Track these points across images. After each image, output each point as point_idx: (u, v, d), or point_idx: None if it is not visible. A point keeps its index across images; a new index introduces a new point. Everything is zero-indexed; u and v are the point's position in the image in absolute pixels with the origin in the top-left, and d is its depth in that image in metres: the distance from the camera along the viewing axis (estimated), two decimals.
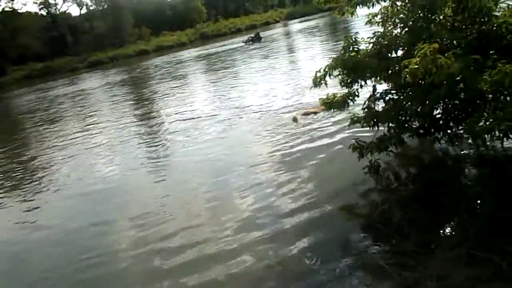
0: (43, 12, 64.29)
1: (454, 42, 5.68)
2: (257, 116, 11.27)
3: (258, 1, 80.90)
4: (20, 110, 25.79)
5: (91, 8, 70.06)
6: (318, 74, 6.06)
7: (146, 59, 45.52)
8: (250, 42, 36.07)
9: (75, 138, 13.53)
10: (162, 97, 18.42)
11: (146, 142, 11.40)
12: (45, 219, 7.39)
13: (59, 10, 65.71)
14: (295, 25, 49.31)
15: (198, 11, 72.74)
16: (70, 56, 56.01)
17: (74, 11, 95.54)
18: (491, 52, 5.37)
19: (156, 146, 10.79)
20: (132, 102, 19.63)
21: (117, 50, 55.94)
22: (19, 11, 59.86)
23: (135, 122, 14.32)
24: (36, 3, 63.51)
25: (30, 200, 8.45)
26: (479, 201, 4.77)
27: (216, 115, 12.35)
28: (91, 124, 15.44)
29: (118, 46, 57.55)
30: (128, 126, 13.62)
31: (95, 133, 13.64)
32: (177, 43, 58.61)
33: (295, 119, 9.97)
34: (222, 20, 69.25)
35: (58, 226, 6.98)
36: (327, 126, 9.04)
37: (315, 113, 10.04)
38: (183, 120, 12.78)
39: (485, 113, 4.74)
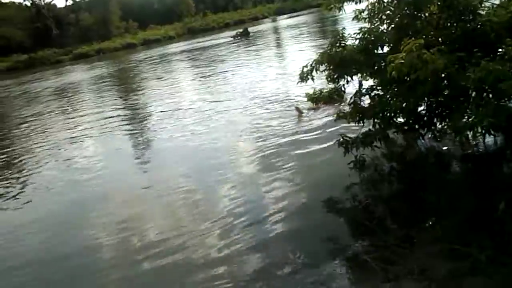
0: (27, 3, 63.10)
1: (440, 39, 5.74)
2: (243, 109, 11.30)
3: None
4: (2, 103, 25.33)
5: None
6: (305, 69, 6.08)
7: (133, 53, 45.01)
8: (238, 37, 35.94)
9: (58, 131, 13.36)
10: (148, 91, 18.27)
11: (130, 134, 11.31)
12: (26, 213, 7.29)
13: (44, 1, 64.51)
14: (284, 21, 49.23)
15: (187, 5, 72.06)
16: (55, 48, 55.07)
17: (60, 2, 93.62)
18: (475, 49, 5.43)
19: (140, 138, 10.75)
20: (118, 95, 19.44)
21: (103, 43, 55.18)
22: (2, 1, 58.69)
23: (119, 115, 14.18)
24: None
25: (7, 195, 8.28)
26: (460, 197, 4.83)
27: (203, 108, 12.32)
28: (74, 117, 15.25)
29: (105, 39, 56.76)
30: (112, 119, 13.49)
31: (78, 126, 13.50)
32: (165, 37, 58.06)
33: (299, 110, 9.84)
34: (211, 15, 68.78)
35: (37, 220, 6.89)
36: (318, 120, 9.04)
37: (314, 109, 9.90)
38: (168, 113, 12.71)
39: (468, 110, 4.81)
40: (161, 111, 13.17)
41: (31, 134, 13.75)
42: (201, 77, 19.22)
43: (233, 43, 32.56)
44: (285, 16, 57.62)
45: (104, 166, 8.95)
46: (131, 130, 11.98)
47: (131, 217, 6.34)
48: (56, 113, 17.23)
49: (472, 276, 3.47)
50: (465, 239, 3.87)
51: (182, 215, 6.17)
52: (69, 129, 13.39)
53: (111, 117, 13.89)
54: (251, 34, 36.90)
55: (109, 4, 62.32)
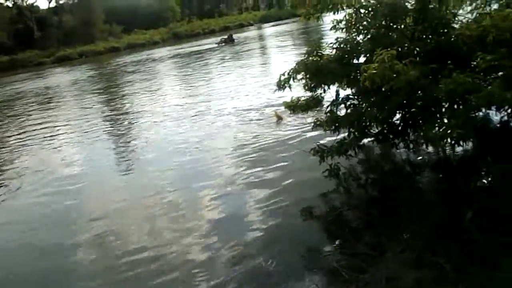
0: (9, 3, 61.97)
1: (414, 51, 5.85)
2: (226, 114, 11.33)
3: (233, 3, 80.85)
4: None
5: (60, 1, 68.10)
6: (282, 78, 6.12)
7: (117, 56, 44.60)
8: (223, 44, 35.97)
9: (38, 135, 13.09)
10: (131, 95, 18.12)
11: (112, 140, 11.21)
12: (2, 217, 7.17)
13: (26, 2, 63.48)
14: (269, 29, 49.54)
15: (172, 10, 71.92)
16: (37, 50, 54.15)
17: (43, 3, 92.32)
18: (448, 61, 5.55)
19: (121, 143, 10.64)
20: (98, 100, 19.17)
21: (86, 46, 54.48)
22: None
23: (102, 120, 14.02)
24: None
25: None
26: (430, 206, 4.90)
27: (184, 114, 12.29)
28: (54, 122, 14.98)
29: (88, 42, 56.08)
30: (94, 124, 13.30)
31: (59, 131, 13.24)
32: (150, 41, 57.68)
33: (278, 117, 9.89)
34: (196, 21, 68.74)
35: (15, 225, 6.78)
36: (296, 128, 9.09)
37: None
38: (151, 118, 12.64)
39: (439, 121, 4.91)
40: (142, 116, 13.12)
41: (6, 139, 13.49)
42: (184, 83, 19.18)
43: (218, 50, 32.58)
44: (270, 23, 57.94)
45: (84, 172, 8.84)
46: (111, 135, 11.84)
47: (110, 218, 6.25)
48: (34, 118, 16.91)
49: (437, 285, 3.52)
50: (433, 248, 3.92)
51: (160, 222, 6.12)
52: (47, 135, 13.10)
53: (88, 121, 13.74)
54: (236, 40, 36.97)
55: (92, 6, 61.70)
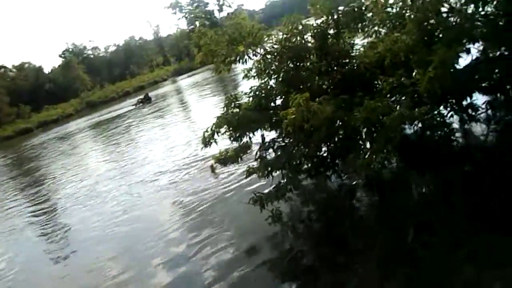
0: None
1: (323, 85, 6.15)
2: (158, 176, 11.02)
3: (143, 62, 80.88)
4: None
5: None
6: (206, 134, 6.09)
7: (29, 138, 42.01)
8: (140, 104, 35.42)
9: None
10: (54, 176, 16.96)
11: (42, 225, 10.34)
12: None
13: None
14: (184, 81, 49.97)
15: (81, 79, 70.20)
16: None
17: None
18: (356, 89, 5.88)
19: (54, 226, 9.95)
20: (17, 188, 17.71)
21: None
22: None
23: (27, 207, 12.94)
24: None
25: None
26: (373, 231, 5.02)
27: (114, 183, 11.88)
28: None
29: None
30: (19, 212, 12.32)
31: None
32: (62, 115, 55.37)
33: (212, 169, 9.74)
34: (109, 85, 67.60)
35: None
36: (231, 178, 8.99)
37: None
38: (78, 194, 12.04)
39: (362, 147, 5.14)
40: (70, 195, 12.38)
41: None
42: (107, 152, 18.49)
43: (135, 111, 32.03)
44: (184, 75, 58.58)
45: (18, 264, 8.20)
46: (42, 221, 10.86)
47: None
48: None
49: None
50: (388, 276, 3.97)
51: None
52: None
53: (21, 211, 12.63)
54: (152, 99, 36.63)
55: None
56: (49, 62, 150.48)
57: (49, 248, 8.81)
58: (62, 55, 74.93)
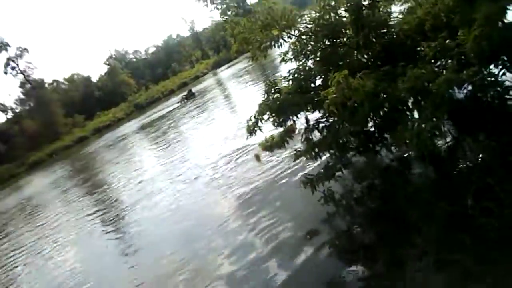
0: None
1: (363, 59, 6.00)
2: (210, 169, 11.31)
3: (183, 59, 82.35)
4: None
5: (16, 110, 68.20)
6: (250, 123, 6.15)
7: (87, 145, 44.39)
8: (185, 101, 36.25)
9: (35, 239, 12.70)
10: (112, 178, 17.88)
11: (110, 229, 10.96)
12: None
13: None
14: (224, 72, 50.35)
15: (127, 84, 72.84)
16: (7, 164, 53.44)
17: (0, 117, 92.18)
18: (397, 59, 5.69)
19: (121, 229, 10.45)
20: (83, 192, 18.83)
21: (54, 144, 54.22)
22: None
23: (94, 212, 13.66)
24: None
25: None
26: (430, 202, 4.87)
27: (169, 178, 12.39)
28: (46, 224, 14.62)
29: (54, 139, 55.88)
30: (86, 218, 13.02)
31: (55, 232, 13.00)
32: (114, 120, 57.83)
33: (258, 158, 9.89)
34: (153, 86, 69.59)
35: None
36: (278, 164, 9.05)
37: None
38: (139, 194, 12.62)
39: (410, 117, 4.97)
40: (131, 194, 13.07)
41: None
42: (160, 149, 19.08)
43: (182, 108, 32.78)
44: (224, 67, 58.99)
45: (91, 266, 8.74)
46: (110, 224, 11.53)
47: None
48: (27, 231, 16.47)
49: (465, 281, 3.44)
50: (449, 246, 3.86)
51: None
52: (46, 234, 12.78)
53: (87, 215, 13.46)
54: (196, 93, 37.33)
55: (50, 105, 61.93)
56: (96, 70, 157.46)
57: (116, 245, 9.37)
58: (107, 62, 78.06)
